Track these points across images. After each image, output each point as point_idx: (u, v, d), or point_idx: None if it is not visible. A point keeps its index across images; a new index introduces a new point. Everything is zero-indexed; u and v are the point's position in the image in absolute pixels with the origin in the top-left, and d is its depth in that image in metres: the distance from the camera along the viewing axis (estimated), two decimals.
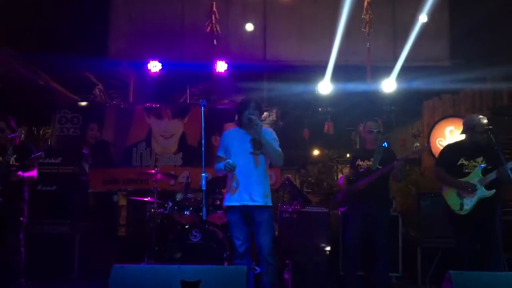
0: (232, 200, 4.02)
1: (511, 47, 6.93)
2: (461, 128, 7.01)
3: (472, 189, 4.27)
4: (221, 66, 7.29)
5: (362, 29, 6.95)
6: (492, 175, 4.21)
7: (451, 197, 4.43)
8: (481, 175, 4.28)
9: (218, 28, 7.06)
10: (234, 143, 4.05)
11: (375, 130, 4.96)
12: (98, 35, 7.61)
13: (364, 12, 6.91)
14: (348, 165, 5.39)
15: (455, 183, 4.42)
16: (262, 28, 7.84)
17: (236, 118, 4.16)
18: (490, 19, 6.93)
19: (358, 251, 4.87)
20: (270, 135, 4.06)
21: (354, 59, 7.37)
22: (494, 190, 4.23)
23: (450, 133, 7.23)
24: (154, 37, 7.59)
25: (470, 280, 3.03)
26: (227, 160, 3.93)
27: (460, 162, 4.45)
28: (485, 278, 3.09)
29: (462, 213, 4.31)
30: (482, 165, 4.31)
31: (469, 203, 4.29)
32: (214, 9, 7.06)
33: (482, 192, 4.24)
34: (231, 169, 3.89)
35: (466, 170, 4.40)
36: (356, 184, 4.90)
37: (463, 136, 4.61)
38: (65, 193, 5.84)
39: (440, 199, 5.52)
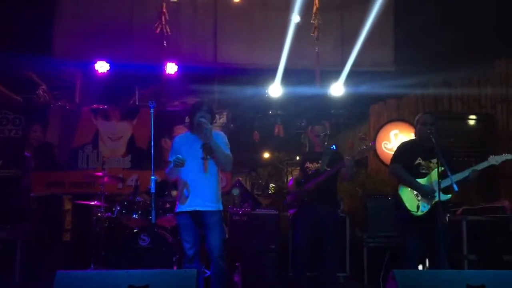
0: (183, 206, 4.00)
1: (450, 53, 7.26)
2: (405, 132, 7.36)
3: (432, 196, 4.20)
4: (171, 68, 7.21)
5: (311, 34, 7.07)
6: (448, 181, 4.07)
7: (408, 197, 4.35)
8: (438, 178, 4.14)
9: (168, 29, 6.98)
10: (185, 148, 4.01)
11: (322, 134, 5.09)
12: (42, 33, 7.33)
13: (313, 17, 7.04)
14: (298, 168, 5.48)
15: (416, 185, 4.32)
16: (213, 30, 7.82)
17: (188, 121, 4.14)
18: (431, 26, 7.23)
19: (307, 251, 4.94)
20: (221, 139, 4.05)
21: (303, 63, 7.48)
22: (450, 195, 4.23)
23: (395, 136, 7.47)
24: (102, 36, 7.40)
25: (413, 278, 3.14)
26: (176, 156, 3.88)
27: (417, 161, 4.38)
28: (428, 275, 3.21)
29: (418, 214, 4.26)
30: (441, 168, 4.19)
31: (426, 206, 4.26)
32: (164, 10, 6.97)
33: (441, 196, 4.14)
34: (180, 164, 3.84)
35: (423, 171, 4.35)
36: (304, 186, 4.98)
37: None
38: (5, 197, 5.61)
39: (384, 200, 5.75)
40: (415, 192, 4.35)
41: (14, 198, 5.66)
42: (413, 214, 4.30)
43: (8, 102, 7.38)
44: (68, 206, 7.30)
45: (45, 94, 7.65)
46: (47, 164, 7.01)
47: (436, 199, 4.17)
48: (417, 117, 4.64)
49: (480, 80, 7.45)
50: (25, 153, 6.10)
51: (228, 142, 4.11)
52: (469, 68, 7.28)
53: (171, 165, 3.93)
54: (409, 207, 4.33)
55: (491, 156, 4.32)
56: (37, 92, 7.65)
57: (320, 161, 4.94)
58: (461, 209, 5.63)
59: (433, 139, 4.24)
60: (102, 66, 7.16)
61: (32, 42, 7.01)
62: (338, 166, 4.81)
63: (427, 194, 4.26)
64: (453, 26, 7.28)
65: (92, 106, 7.35)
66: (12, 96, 7.52)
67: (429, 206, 4.26)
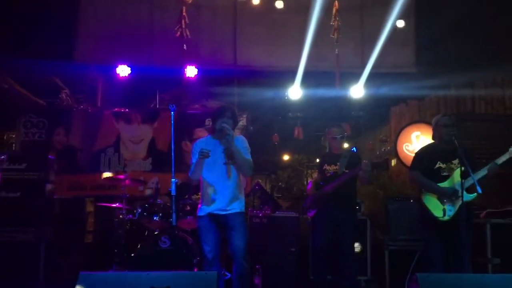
0: (206, 210, 4.03)
1: (473, 54, 7.15)
2: (427, 134, 7.27)
3: (456, 197, 4.13)
4: (191, 71, 7.26)
5: (331, 36, 7.04)
6: (470, 181, 4.02)
7: (432, 202, 4.28)
8: (460, 178, 4.08)
9: (188, 33, 7.03)
10: None
11: (339, 136, 5.06)
12: (65, 38, 7.45)
13: (333, 19, 7.01)
14: (317, 170, 5.46)
15: (437, 189, 4.27)
16: (232, 33, 7.85)
17: (209, 124, 4.17)
18: (453, 27, 7.13)
19: (326, 255, 4.92)
20: (242, 144, 4.06)
21: (323, 65, 7.45)
22: (475, 194, 4.11)
23: (417, 138, 7.40)
24: (123, 41, 7.49)
25: (437, 282, 3.09)
26: (201, 148, 3.89)
27: (437, 165, 4.33)
28: (451, 280, 3.15)
29: (445, 219, 4.19)
30: (460, 169, 4.11)
31: (452, 209, 4.18)
32: (184, 13, 7.03)
33: (465, 196, 4.05)
34: (206, 155, 3.86)
35: (444, 173, 4.30)
36: (323, 189, 4.96)
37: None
38: (29, 200, 5.67)
39: (406, 203, 5.68)
40: (437, 197, 4.27)
41: (38, 201, 5.73)
42: (439, 220, 4.22)
43: (32, 106, 7.52)
44: (90, 208, 7.38)
45: (68, 98, 7.77)
46: (69, 167, 7.12)
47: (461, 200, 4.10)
48: (435, 120, 4.54)
49: (504, 81, 7.34)
50: (49, 156, 6.19)
51: (248, 147, 4.12)
52: (493, 69, 7.16)
53: (196, 159, 3.94)
54: (435, 214, 4.25)
55: (511, 148, 4.21)
56: (60, 96, 7.77)
57: (338, 163, 4.91)
58: (484, 212, 5.54)
59: (455, 141, 4.17)
60: (123, 70, 7.25)
61: (55, 47, 7.13)
62: (356, 170, 4.77)
63: (450, 196, 4.19)
64: (475, 26, 7.18)
65: (114, 110, 7.44)
66: (36, 100, 7.66)
67: (455, 209, 4.19)
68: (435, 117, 4.61)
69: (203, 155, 3.86)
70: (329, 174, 4.99)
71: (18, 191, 5.69)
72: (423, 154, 4.54)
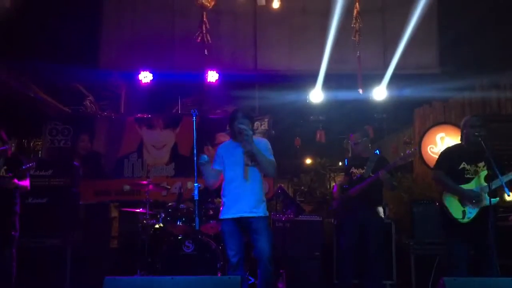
0: (228, 213, 4.02)
1: (499, 55, 7.01)
2: (452, 135, 7.15)
3: (477, 200, 4.06)
4: (212, 76, 7.30)
5: (352, 38, 6.99)
6: (497, 183, 3.93)
7: (453, 203, 4.20)
8: (484, 182, 4.05)
9: (209, 38, 7.08)
10: (229, 156, 4.06)
11: (361, 139, 5.02)
12: (89, 46, 7.59)
13: (354, 21, 6.96)
14: (341, 173, 5.43)
15: (459, 191, 4.18)
16: (252, 37, 7.87)
17: (229, 130, 4.20)
18: (478, 27, 7.01)
19: (352, 258, 4.87)
20: (264, 146, 4.06)
21: (344, 67, 7.40)
22: (498, 198, 4.04)
23: (441, 140, 7.28)
24: (145, 47, 7.60)
25: (464, 286, 3.02)
26: (202, 156, 3.99)
27: (461, 166, 4.22)
28: (478, 284, 3.08)
29: (464, 221, 4.11)
30: (486, 171, 4.05)
31: (472, 211, 4.10)
32: (205, 19, 7.07)
33: (487, 200, 3.96)
34: (204, 163, 3.96)
35: (468, 176, 4.20)
36: (348, 192, 4.93)
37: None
38: (56, 206, 5.77)
39: (432, 206, 5.58)
40: (458, 198, 4.19)
41: (64, 207, 5.83)
42: (459, 221, 4.14)
43: (57, 113, 7.66)
44: (115, 213, 7.46)
45: (92, 105, 7.90)
46: (94, 173, 7.23)
47: (483, 203, 4.03)
48: (463, 120, 4.46)
49: None
50: (74, 162, 6.29)
51: (271, 148, 4.11)
52: None
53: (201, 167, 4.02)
54: (454, 215, 4.17)
55: None
56: (84, 103, 7.90)
57: (365, 167, 4.88)
58: None
59: (482, 142, 4.09)
60: (145, 76, 7.34)
61: (79, 54, 7.26)
62: (374, 177, 4.73)
63: (471, 198, 4.11)
64: (501, 26, 7.05)
65: (137, 116, 7.53)
66: (60, 107, 7.80)
67: (475, 212, 4.10)
68: (464, 118, 4.53)
69: (200, 163, 3.97)
70: (355, 177, 4.95)
71: (45, 197, 5.80)
72: (448, 153, 4.45)
